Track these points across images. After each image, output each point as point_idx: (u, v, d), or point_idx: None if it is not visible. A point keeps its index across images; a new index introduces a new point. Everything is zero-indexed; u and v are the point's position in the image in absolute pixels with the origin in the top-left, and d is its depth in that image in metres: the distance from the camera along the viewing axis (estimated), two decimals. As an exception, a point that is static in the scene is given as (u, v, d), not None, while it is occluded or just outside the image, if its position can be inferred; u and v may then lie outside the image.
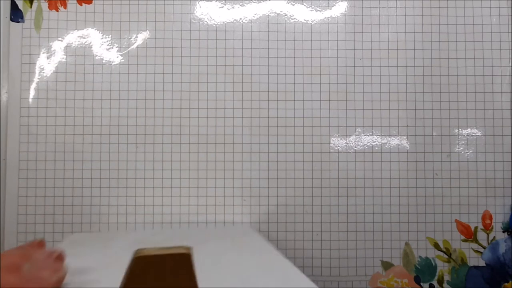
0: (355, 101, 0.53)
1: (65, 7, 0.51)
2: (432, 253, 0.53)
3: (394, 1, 0.51)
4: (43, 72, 0.53)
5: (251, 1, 0.51)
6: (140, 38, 0.53)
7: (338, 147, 0.53)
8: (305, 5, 0.51)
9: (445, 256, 0.53)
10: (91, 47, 0.53)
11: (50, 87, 0.53)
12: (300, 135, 0.53)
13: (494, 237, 0.52)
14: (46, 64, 0.53)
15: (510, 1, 0.51)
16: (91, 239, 0.48)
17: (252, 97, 0.53)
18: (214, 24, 0.51)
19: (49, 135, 0.53)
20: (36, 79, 0.53)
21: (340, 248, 0.52)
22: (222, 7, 0.51)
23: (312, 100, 0.53)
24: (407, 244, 0.53)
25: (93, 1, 0.51)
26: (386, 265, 0.53)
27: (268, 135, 0.53)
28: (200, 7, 0.51)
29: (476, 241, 0.52)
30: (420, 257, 0.53)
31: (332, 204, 0.53)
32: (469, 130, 0.51)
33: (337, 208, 0.53)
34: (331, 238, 0.53)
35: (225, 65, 0.53)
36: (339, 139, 0.53)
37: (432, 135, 0.51)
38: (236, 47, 0.52)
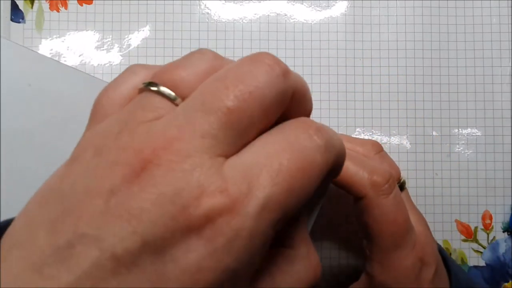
0: (355, 101, 0.53)
1: (66, 8, 0.51)
2: (432, 253, 0.53)
3: (394, 1, 0.51)
4: (44, 72, 0.53)
5: (250, 1, 0.51)
6: (141, 38, 0.53)
7: (338, 147, 0.53)
8: (305, 5, 0.51)
9: (445, 256, 0.53)
10: (92, 48, 0.53)
11: (51, 87, 0.53)
12: (300, 135, 0.53)
13: (494, 237, 0.52)
14: (47, 64, 0.54)
15: (510, 1, 0.50)
16: None
17: (252, 97, 0.53)
18: (214, 24, 0.51)
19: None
20: (37, 79, 0.53)
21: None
22: (222, 7, 0.51)
23: (312, 100, 0.53)
24: (407, 244, 0.53)
25: (93, 2, 0.51)
26: (386, 265, 0.53)
27: (268, 135, 0.53)
28: (200, 7, 0.51)
29: (476, 241, 0.52)
30: (420, 257, 0.53)
31: (332, 204, 0.53)
32: (469, 130, 0.51)
33: (337, 208, 0.53)
34: (331, 238, 0.53)
35: (225, 65, 0.53)
36: (339, 139, 0.53)
37: (432, 135, 0.51)
38: (236, 47, 0.52)
